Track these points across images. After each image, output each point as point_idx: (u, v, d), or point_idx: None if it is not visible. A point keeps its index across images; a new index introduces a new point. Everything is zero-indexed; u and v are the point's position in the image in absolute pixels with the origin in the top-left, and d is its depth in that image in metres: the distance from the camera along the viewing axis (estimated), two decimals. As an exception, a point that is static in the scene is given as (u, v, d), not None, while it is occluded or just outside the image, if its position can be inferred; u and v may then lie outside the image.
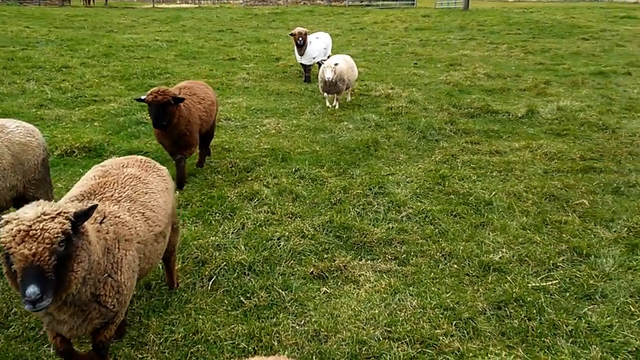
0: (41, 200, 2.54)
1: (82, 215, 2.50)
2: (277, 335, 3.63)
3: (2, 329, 3.68)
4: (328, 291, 4.19)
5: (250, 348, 3.52)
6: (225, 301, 4.03)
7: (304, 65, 11.48)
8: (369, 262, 4.62)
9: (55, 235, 2.35)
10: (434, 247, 4.84)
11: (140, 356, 3.46)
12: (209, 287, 4.18)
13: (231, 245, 4.73)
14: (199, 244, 4.70)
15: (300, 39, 10.86)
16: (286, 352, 3.44)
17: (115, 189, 3.22)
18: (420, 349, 3.54)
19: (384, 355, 3.46)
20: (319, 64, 10.61)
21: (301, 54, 11.22)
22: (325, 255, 4.67)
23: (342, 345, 3.55)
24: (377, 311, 3.92)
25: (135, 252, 3.04)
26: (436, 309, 3.95)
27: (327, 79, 8.33)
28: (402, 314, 3.90)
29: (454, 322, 3.80)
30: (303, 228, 5.04)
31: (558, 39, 16.95)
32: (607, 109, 8.94)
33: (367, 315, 3.88)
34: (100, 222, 2.83)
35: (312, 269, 4.43)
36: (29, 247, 2.30)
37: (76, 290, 2.57)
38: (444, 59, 13.82)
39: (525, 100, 9.62)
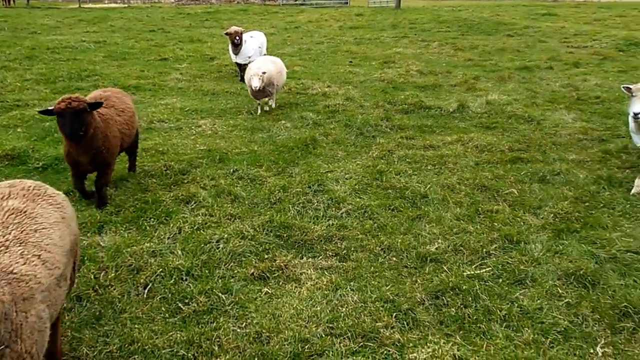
0: None
1: None
2: (218, 339, 3.56)
3: None
4: (269, 291, 4.15)
5: (189, 355, 3.43)
6: (163, 308, 3.90)
7: (239, 65, 11.34)
8: (310, 260, 4.62)
9: None
10: (374, 241, 4.90)
11: (72, 372, 3.30)
12: (145, 295, 4.04)
13: (167, 250, 4.60)
14: (133, 250, 4.54)
15: (237, 38, 10.73)
16: (227, 356, 3.38)
17: None
18: (362, 343, 3.57)
19: (326, 351, 3.47)
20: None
21: (236, 53, 11.09)
22: (266, 256, 4.63)
23: (284, 345, 3.52)
24: (319, 308, 3.92)
25: (40, 307, 2.53)
26: (377, 302, 4.00)
27: (253, 88, 8.14)
28: (344, 309, 3.92)
29: (394, 314, 3.86)
30: (242, 229, 4.97)
31: (485, 36, 17.63)
32: (532, 101, 9.39)
33: (309, 313, 3.87)
34: None
35: (252, 270, 4.37)
36: None
37: None
38: (378, 56, 14.06)
39: (456, 95, 9.94)
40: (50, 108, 4.79)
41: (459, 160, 6.78)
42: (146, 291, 4.08)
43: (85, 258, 4.43)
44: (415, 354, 3.42)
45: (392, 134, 7.90)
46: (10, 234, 2.66)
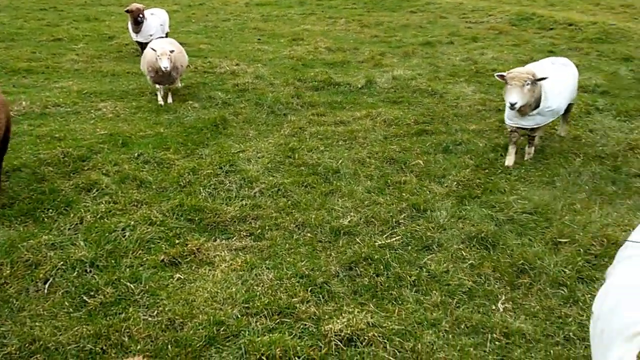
0: None
1: None
2: (128, 330, 3.42)
3: None
4: (182, 277, 4.04)
5: (97, 349, 3.27)
6: (66, 303, 3.68)
7: (140, 44, 10.78)
8: (223, 241, 4.55)
9: None
10: (288, 219, 4.90)
11: (-36, 380, 3.03)
12: (46, 291, 3.79)
13: (68, 242, 4.33)
14: (30, 245, 4.22)
15: (140, 15, 10.17)
16: (139, 346, 3.26)
17: None
18: (278, 320, 3.58)
19: (242, 332, 3.44)
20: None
21: (137, 32, 10.52)
22: (177, 241, 4.49)
23: (199, 329, 3.45)
24: (234, 290, 3.87)
25: None
26: (292, 279, 4.02)
27: (163, 69, 7.28)
28: (260, 288, 3.91)
29: (310, 289, 3.90)
30: (150, 215, 4.78)
31: (390, 13, 17.98)
32: (435, 76, 9.74)
33: (224, 295, 3.81)
34: None
35: (162, 257, 4.22)
36: None
37: None
38: (287, 33, 13.93)
39: (364, 71, 10.09)
40: None
41: (369, 135, 6.92)
42: (47, 286, 3.82)
43: (-25, 257, 4.07)
44: (330, 326, 3.48)
45: (303, 111, 7.89)
46: None
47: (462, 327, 3.59)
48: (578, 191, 5.42)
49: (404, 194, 5.34)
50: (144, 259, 4.22)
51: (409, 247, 4.47)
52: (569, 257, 4.29)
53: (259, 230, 4.72)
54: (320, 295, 3.85)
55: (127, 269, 4.06)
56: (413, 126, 7.21)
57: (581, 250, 4.39)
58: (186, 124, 7.24)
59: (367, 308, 3.72)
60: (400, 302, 3.80)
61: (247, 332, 3.44)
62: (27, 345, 3.28)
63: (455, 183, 5.56)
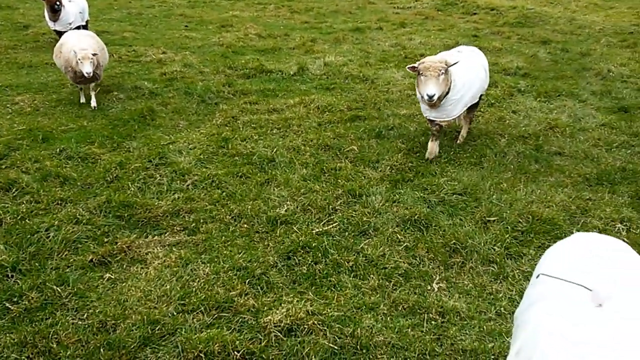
0: None
1: None
2: (56, 336, 3.24)
3: None
4: (112, 277, 3.87)
5: (23, 357, 3.09)
6: (-14, 312, 3.44)
7: (58, 32, 10.15)
8: (156, 237, 4.40)
9: None
10: (223, 210, 4.81)
11: None
12: (-39, 301, 3.52)
13: (-15, 247, 4.04)
14: (-59, 252, 3.91)
15: (57, 3, 9.56)
16: (68, 352, 3.10)
17: None
18: (216, 315, 3.51)
19: (179, 330, 3.35)
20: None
21: (55, 20, 9.89)
22: (106, 239, 4.30)
23: (132, 330, 3.33)
24: (168, 287, 3.76)
25: None
26: (229, 272, 3.95)
27: (86, 74, 6.66)
28: (196, 283, 3.81)
29: (248, 281, 3.85)
30: (76, 213, 4.55)
31: (320, -1, 17.96)
32: (366, 61, 9.83)
33: (158, 293, 3.69)
34: None
35: (91, 257, 4.03)
36: None
37: None
38: (215, 20, 13.60)
39: (296, 58, 10.02)
40: None
41: (303, 122, 6.89)
42: (-38, 297, 3.55)
43: None
44: (269, 317, 3.46)
45: (235, 100, 7.74)
46: None
47: (400, 309, 3.67)
48: (504, 171, 5.66)
49: (339, 181, 5.37)
50: (71, 260, 4.01)
51: (346, 233, 4.51)
52: (498, 234, 4.48)
53: (193, 224, 4.60)
54: (259, 287, 3.81)
55: (53, 272, 3.84)
56: (346, 112, 7.25)
57: (509, 227, 4.59)
58: (111, 116, 6.92)
59: (307, 296, 3.72)
60: (339, 289, 3.83)
61: (183, 330, 3.35)
62: (-58, 361, 3.05)
63: (389, 167, 5.65)
